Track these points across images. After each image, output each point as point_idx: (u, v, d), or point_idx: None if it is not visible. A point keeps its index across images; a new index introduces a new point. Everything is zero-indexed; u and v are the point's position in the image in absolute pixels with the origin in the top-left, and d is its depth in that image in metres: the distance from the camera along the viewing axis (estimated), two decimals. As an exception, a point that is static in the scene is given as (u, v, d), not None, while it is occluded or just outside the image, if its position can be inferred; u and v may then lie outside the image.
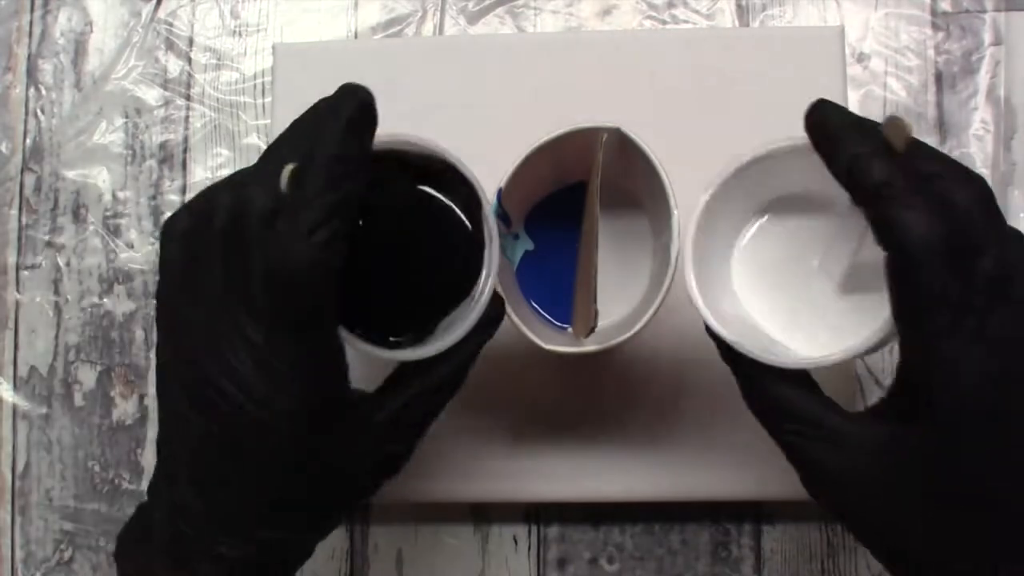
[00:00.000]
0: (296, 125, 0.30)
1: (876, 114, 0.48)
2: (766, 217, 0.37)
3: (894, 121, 0.27)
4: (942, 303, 0.26)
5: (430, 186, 0.34)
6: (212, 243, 0.29)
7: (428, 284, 0.35)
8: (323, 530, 0.33)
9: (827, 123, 0.29)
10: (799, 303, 0.36)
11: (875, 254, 0.28)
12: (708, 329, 0.33)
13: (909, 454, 0.28)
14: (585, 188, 0.41)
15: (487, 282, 0.33)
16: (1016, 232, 0.28)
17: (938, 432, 0.27)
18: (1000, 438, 0.27)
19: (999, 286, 0.26)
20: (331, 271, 0.28)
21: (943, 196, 0.27)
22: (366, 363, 0.32)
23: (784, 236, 0.37)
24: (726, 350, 0.33)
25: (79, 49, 0.52)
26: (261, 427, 0.29)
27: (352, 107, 0.29)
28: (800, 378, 0.31)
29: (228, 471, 0.30)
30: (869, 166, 0.27)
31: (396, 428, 0.32)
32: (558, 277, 0.43)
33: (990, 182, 0.50)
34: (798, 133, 0.31)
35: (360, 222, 0.33)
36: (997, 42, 0.49)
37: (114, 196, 0.51)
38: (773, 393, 0.31)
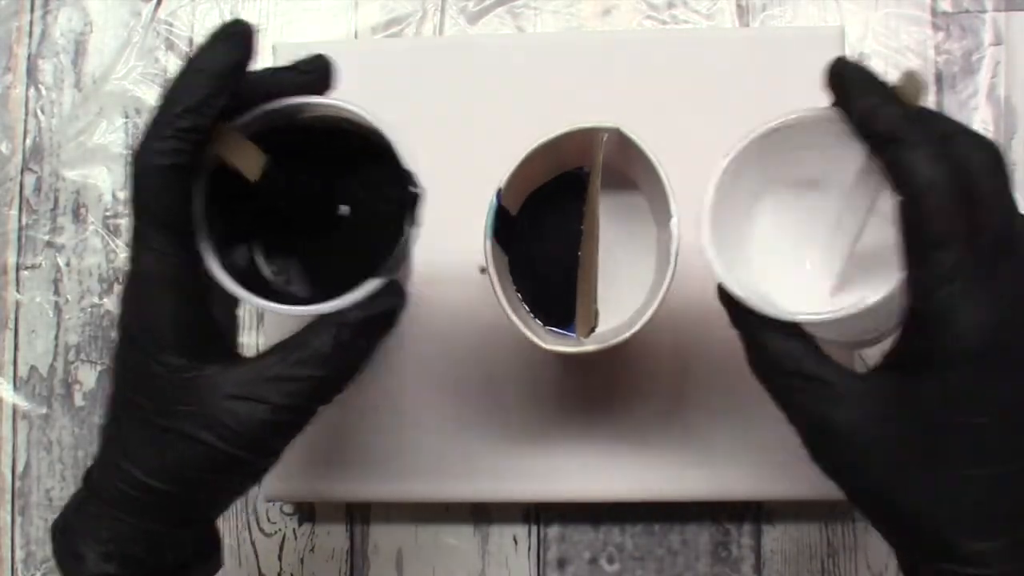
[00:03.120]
0: None
1: (876, 114, 0.48)
2: (778, 192, 0.36)
3: (910, 73, 0.29)
4: (947, 243, 0.27)
5: (371, 159, 0.34)
6: None
7: (345, 255, 0.35)
8: (194, 516, 0.32)
9: (844, 76, 0.30)
10: (807, 277, 0.36)
11: (878, 237, 0.28)
12: (720, 291, 0.33)
13: (909, 406, 0.28)
14: (584, 172, 0.41)
15: (390, 265, 0.32)
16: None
17: (936, 380, 0.27)
18: (1000, 389, 0.27)
19: (1005, 243, 0.27)
20: (170, 180, 0.30)
21: (955, 151, 0.28)
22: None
23: (795, 212, 0.37)
24: (734, 310, 0.33)
25: (79, 49, 0.52)
26: (130, 346, 0.31)
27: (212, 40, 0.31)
28: (802, 335, 0.31)
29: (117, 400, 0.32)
30: (881, 112, 0.28)
31: (266, 393, 0.30)
32: (554, 277, 0.43)
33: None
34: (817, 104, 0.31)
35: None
36: (997, 42, 0.49)
37: (114, 196, 0.51)
38: (774, 348, 0.31)
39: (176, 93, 0.30)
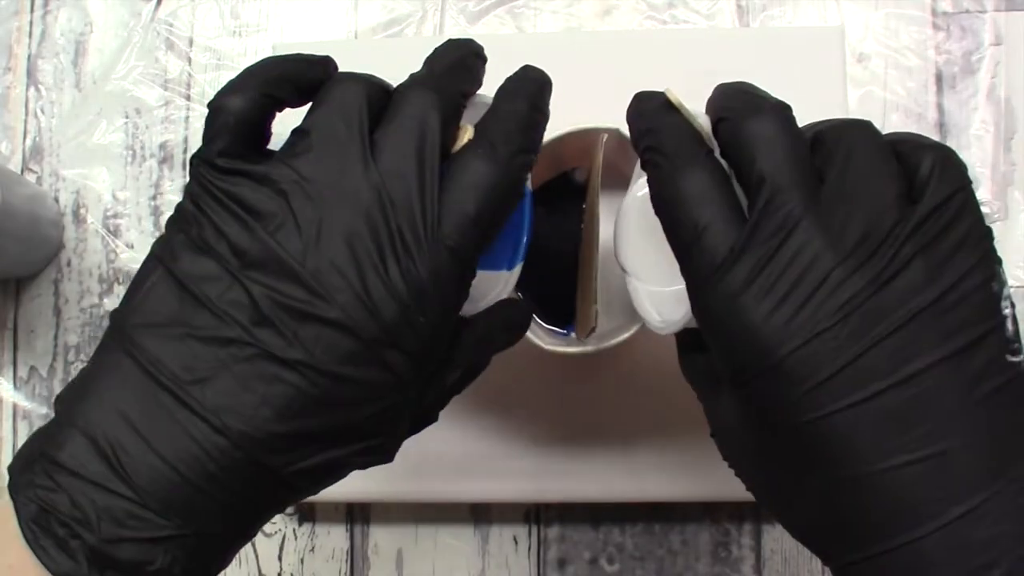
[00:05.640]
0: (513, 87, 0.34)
1: (876, 114, 0.48)
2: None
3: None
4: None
5: None
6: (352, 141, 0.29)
7: None
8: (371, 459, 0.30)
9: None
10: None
11: None
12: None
13: (743, 412, 0.28)
14: (584, 172, 0.41)
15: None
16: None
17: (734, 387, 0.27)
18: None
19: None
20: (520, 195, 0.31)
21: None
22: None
23: None
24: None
25: (79, 49, 0.52)
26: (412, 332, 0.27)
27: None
28: (697, 337, 0.32)
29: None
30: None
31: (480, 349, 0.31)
32: (554, 277, 0.43)
33: (990, 182, 0.51)
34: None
35: None
36: (997, 42, 0.49)
37: (114, 196, 0.51)
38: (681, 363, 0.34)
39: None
